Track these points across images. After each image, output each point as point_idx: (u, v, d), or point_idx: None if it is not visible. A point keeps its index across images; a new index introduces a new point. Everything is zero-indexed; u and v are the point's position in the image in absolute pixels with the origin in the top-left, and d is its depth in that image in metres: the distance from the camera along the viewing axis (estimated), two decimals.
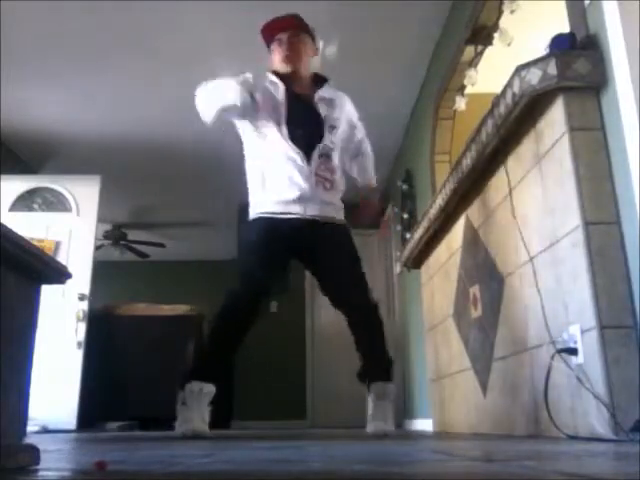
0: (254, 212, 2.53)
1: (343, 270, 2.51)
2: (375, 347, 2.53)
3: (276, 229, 2.44)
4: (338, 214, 2.58)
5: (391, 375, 2.56)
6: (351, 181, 2.77)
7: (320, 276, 2.59)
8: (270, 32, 2.58)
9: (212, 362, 2.48)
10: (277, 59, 2.58)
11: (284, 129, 2.47)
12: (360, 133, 2.76)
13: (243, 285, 2.42)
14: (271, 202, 2.47)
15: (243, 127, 2.58)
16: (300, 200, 2.44)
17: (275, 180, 2.47)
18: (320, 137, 2.50)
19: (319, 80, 2.65)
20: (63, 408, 4.33)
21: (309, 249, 2.52)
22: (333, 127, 2.56)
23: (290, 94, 2.52)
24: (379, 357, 2.54)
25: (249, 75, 2.43)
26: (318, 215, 2.48)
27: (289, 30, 2.56)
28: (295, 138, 2.46)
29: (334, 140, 2.55)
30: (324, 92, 2.60)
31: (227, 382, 6.31)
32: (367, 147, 2.80)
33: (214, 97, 2.39)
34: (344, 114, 2.65)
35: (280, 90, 2.52)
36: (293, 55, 2.55)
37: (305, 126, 2.49)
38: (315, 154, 2.47)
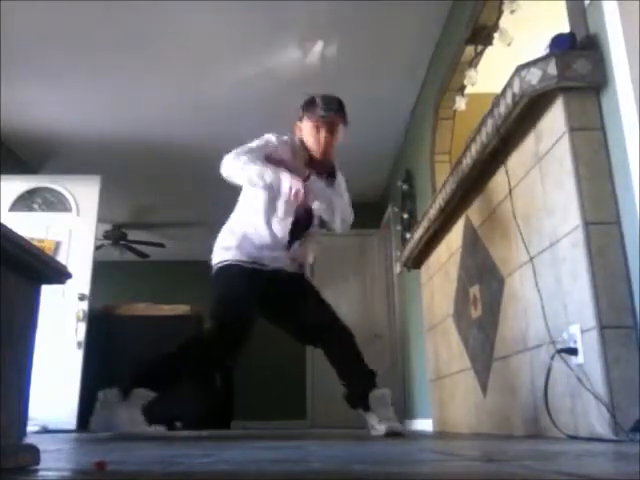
0: (227, 255, 2.63)
1: (312, 299, 2.71)
2: (358, 362, 2.61)
3: (253, 278, 2.57)
4: (301, 271, 2.77)
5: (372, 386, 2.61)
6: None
7: (291, 320, 2.73)
8: (314, 111, 2.60)
9: (173, 380, 2.64)
10: (310, 142, 2.62)
11: (282, 205, 2.57)
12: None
13: (224, 333, 2.52)
14: (240, 254, 2.60)
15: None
16: (270, 263, 2.61)
17: (253, 243, 2.60)
18: (307, 226, 2.68)
19: (330, 171, 2.70)
20: (63, 408, 4.33)
21: (275, 297, 2.66)
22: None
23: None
24: (365, 370, 2.61)
25: (272, 137, 2.58)
26: (284, 269, 2.65)
27: (333, 123, 2.60)
28: (287, 219, 2.60)
29: (317, 227, 2.74)
30: (328, 181, 2.68)
31: (227, 383, 6.31)
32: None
33: (245, 174, 2.48)
34: (335, 194, 2.69)
35: (298, 163, 2.60)
36: (326, 149, 2.62)
37: (300, 217, 2.62)
38: (297, 241, 2.65)
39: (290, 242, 2.62)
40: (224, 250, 2.65)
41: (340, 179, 2.74)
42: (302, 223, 2.65)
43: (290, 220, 2.59)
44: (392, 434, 2.37)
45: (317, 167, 2.65)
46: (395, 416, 2.54)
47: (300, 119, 2.67)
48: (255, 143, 2.57)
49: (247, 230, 2.62)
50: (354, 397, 2.59)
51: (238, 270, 2.58)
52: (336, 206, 2.65)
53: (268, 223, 2.59)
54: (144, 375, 2.56)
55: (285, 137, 2.65)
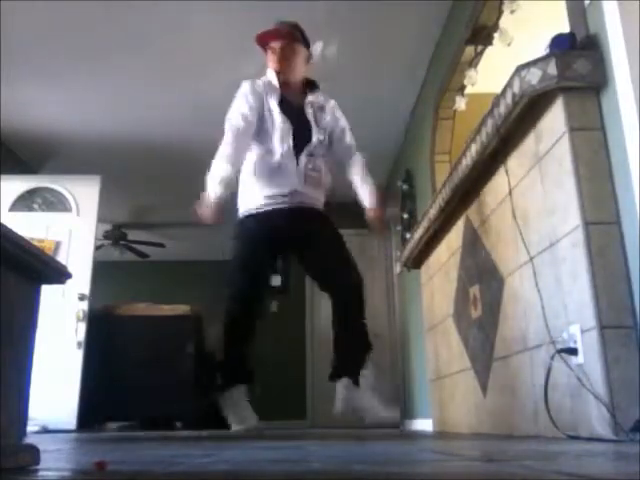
0: (242, 209, 2.67)
1: (329, 252, 2.62)
2: (351, 330, 2.54)
3: (263, 226, 2.58)
4: (319, 206, 2.70)
5: (363, 364, 2.51)
6: (342, 181, 2.84)
7: (306, 259, 2.68)
8: (265, 39, 2.71)
9: (233, 367, 2.61)
10: (270, 67, 2.71)
11: (277, 132, 2.61)
12: (349, 138, 2.84)
13: (238, 295, 2.55)
14: (260, 197, 2.61)
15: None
16: (288, 194, 2.59)
17: (265, 177, 2.62)
18: (309, 138, 2.66)
19: (310, 85, 2.79)
20: (63, 408, 4.33)
21: (294, 236, 2.63)
22: (322, 129, 2.71)
23: (282, 99, 2.67)
24: (353, 344, 2.53)
25: (246, 85, 2.65)
26: (301, 203, 2.61)
27: (282, 39, 2.68)
28: (286, 139, 2.62)
29: (322, 141, 2.71)
30: (314, 97, 2.75)
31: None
32: (357, 153, 2.85)
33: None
34: (333, 119, 2.78)
35: (275, 95, 2.66)
36: (284, 65, 2.68)
37: (295, 128, 2.63)
38: (303, 154, 2.63)
39: (297, 155, 2.60)
40: (240, 202, 2.68)
41: (333, 104, 2.79)
42: (301, 133, 2.64)
43: (289, 131, 2.60)
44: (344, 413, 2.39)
45: (292, 92, 2.70)
46: (364, 400, 2.44)
47: (264, 51, 2.74)
48: (232, 111, 2.63)
49: (252, 169, 2.64)
50: (333, 374, 2.55)
51: (249, 226, 2.60)
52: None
53: (268, 147, 2.61)
54: (223, 377, 2.61)
55: (260, 79, 2.71)
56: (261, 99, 2.63)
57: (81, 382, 4.48)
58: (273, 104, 2.64)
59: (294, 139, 2.61)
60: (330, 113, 2.77)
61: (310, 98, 2.73)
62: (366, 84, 4.38)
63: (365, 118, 4.62)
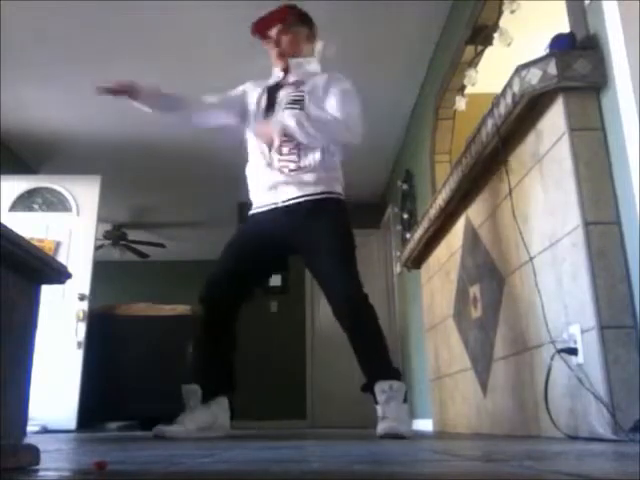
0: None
1: (323, 262, 2.38)
2: (372, 344, 2.35)
3: (255, 225, 2.49)
4: (317, 188, 2.40)
5: (398, 374, 2.37)
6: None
7: (307, 266, 2.53)
8: (261, 30, 2.61)
9: (201, 365, 2.58)
10: (272, 57, 2.62)
11: (252, 125, 2.53)
12: (331, 103, 2.49)
13: (205, 287, 2.48)
14: (252, 198, 2.54)
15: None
16: (269, 189, 2.43)
17: (251, 175, 2.54)
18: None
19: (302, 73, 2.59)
20: (63, 408, 4.33)
21: (292, 239, 2.42)
22: (295, 101, 2.44)
23: (268, 90, 2.56)
24: (379, 355, 2.35)
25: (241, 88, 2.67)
26: (292, 197, 2.39)
27: (277, 26, 2.58)
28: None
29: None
30: (295, 75, 2.55)
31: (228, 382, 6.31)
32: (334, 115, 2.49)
33: None
34: (315, 87, 2.50)
35: (259, 90, 2.60)
36: (283, 52, 2.56)
37: (266, 115, 2.49)
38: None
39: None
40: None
41: (323, 79, 2.52)
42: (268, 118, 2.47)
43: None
44: (387, 436, 2.13)
45: (287, 81, 2.55)
46: (404, 414, 2.27)
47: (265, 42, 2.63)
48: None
49: (247, 169, 2.57)
50: (366, 385, 2.36)
51: (246, 224, 2.57)
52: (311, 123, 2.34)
53: (251, 148, 2.53)
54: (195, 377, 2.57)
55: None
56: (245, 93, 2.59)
57: (81, 382, 4.48)
58: (256, 99, 2.56)
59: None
60: (311, 84, 2.49)
61: (290, 78, 2.54)
62: (366, 84, 4.37)
63: (365, 118, 4.61)
